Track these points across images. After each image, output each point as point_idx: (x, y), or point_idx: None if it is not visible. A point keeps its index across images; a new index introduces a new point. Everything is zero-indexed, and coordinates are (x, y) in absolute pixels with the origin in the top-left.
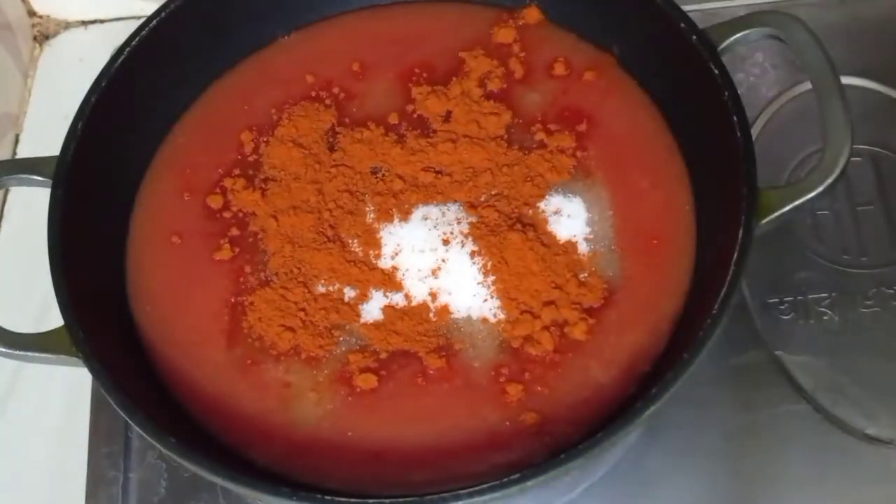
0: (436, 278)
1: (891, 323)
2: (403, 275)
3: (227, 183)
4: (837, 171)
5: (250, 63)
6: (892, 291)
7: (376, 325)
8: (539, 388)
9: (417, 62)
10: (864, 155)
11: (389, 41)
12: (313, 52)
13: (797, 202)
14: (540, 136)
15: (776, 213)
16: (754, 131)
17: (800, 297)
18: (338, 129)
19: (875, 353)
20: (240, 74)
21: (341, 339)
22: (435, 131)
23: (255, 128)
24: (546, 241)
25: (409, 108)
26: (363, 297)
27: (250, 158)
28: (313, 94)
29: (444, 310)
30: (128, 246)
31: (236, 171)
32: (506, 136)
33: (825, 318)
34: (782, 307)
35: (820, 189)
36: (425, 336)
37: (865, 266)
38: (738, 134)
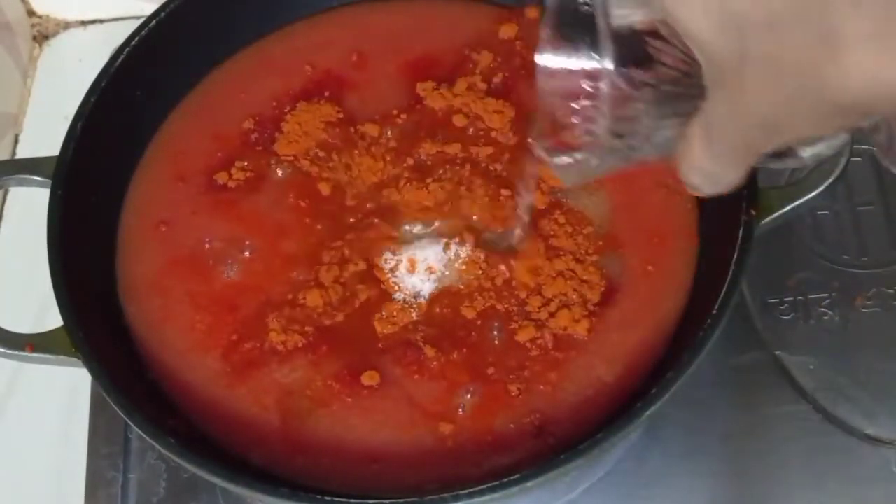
0: (438, 279)
1: (891, 323)
2: (407, 276)
3: (224, 176)
4: (837, 171)
5: (248, 53)
6: (892, 291)
7: (379, 325)
8: (541, 387)
9: (419, 56)
10: (864, 155)
11: (390, 35)
12: (312, 43)
13: (797, 202)
14: None
15: (776, 213)
16: None
17: (800, 297)
18: (339, 123)
19: (875, 354)
20: (237, 64)
21: (344, 339)
22: (438, 128)
23: (254, 118)
24: (549, 243)
25: (412, 103)
26: (366, 298)
27: (249, 151)
28: (312, 85)
29: (446, 310)
30: (118, 241)
31: (234, 164)
32: (510, 135)
33: (825, 318)
34: (782, 307)
35: (820, 189)
36: (427, 336)
37: (865, 266)
38: None
